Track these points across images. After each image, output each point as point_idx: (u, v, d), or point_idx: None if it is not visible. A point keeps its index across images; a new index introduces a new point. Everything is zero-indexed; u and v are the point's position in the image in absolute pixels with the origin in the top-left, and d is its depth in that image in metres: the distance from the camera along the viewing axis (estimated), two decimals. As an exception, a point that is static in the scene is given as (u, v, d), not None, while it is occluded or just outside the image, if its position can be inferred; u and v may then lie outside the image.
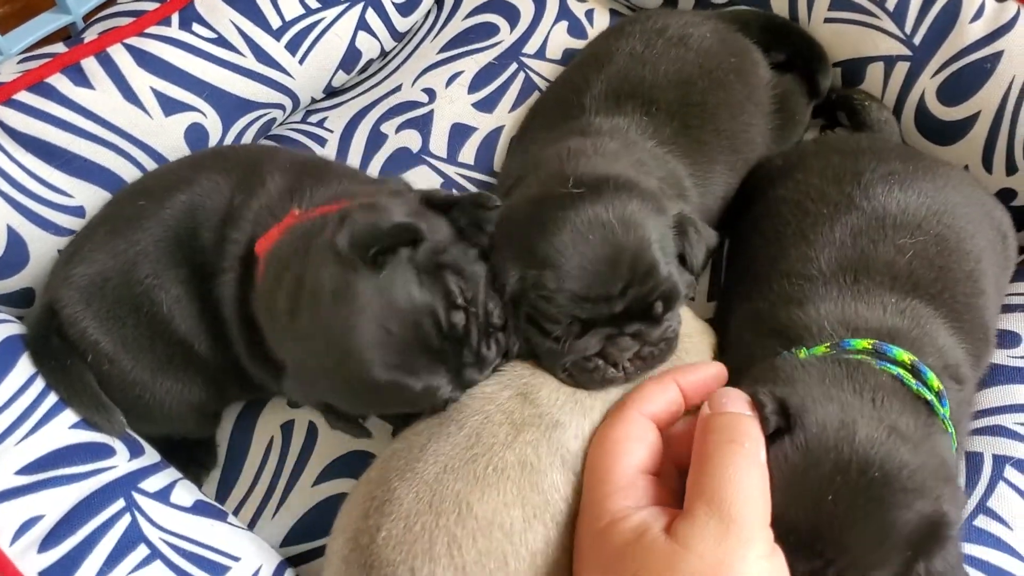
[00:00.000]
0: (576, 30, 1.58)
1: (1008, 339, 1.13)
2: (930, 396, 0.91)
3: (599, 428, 0.95)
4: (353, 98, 1.52)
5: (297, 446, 1.21)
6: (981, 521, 0.96)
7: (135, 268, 1.09)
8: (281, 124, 1.49)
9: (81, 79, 1.22)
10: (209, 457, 1.22)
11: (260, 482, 1.20)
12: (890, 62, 1.40)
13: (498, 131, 1.45)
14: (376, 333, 0.90)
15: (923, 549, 0.79)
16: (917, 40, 1.37)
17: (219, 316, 1.11)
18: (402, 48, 1.60)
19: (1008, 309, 1.17)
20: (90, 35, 1.27)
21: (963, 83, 1.34)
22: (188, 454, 1.19)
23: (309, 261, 0.95)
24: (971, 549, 0.95)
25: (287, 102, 1.43)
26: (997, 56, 1.31)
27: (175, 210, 1.11)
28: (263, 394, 1.24)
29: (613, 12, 1.62)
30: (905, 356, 0.92)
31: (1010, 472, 0.99)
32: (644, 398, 0.94)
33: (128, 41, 1.27)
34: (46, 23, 1.38)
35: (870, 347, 0.94)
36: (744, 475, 0.79)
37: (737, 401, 0.85)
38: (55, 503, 0.97)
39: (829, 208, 1.09)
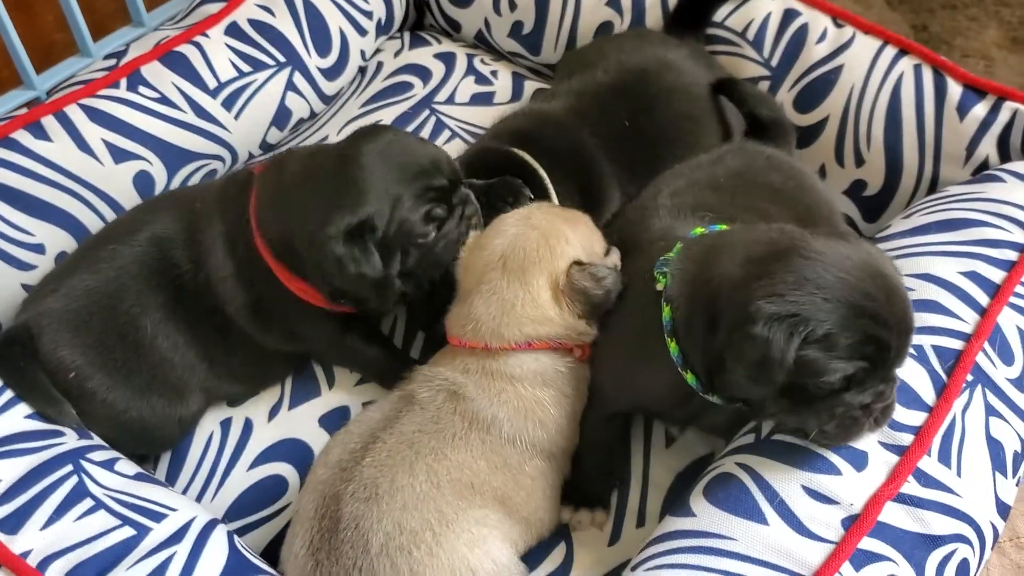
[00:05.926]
0: (483, 80, 1.80)
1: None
2: None
3: None
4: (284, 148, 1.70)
5: (235, 437, 1.34)
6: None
7: (119, 302, 1.26)
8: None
9: (41, 133, 1.42)
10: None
11: (201, 469, 1.32)
12: (754, 82, 1.62)
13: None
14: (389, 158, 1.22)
15: None
16: (774, 62, 1.61)
17: (212, 317, 1.28)
18: (330, 109, 1.80)
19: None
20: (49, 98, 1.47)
21: (814, 93, 1.58)
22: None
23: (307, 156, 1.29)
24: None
25: (226, 154, 1.62)
26: (839, 69, 1.57)
27: (144, 246, 1.29)
28: (265, 383, 1.39)
29: (516, 75, 1.83)
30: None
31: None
32: None
33: (82, 101, 1.47)
34: (14, 98, 1.59)
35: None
36: None
37: None
38: (9, 470, 1.10)
39: None
